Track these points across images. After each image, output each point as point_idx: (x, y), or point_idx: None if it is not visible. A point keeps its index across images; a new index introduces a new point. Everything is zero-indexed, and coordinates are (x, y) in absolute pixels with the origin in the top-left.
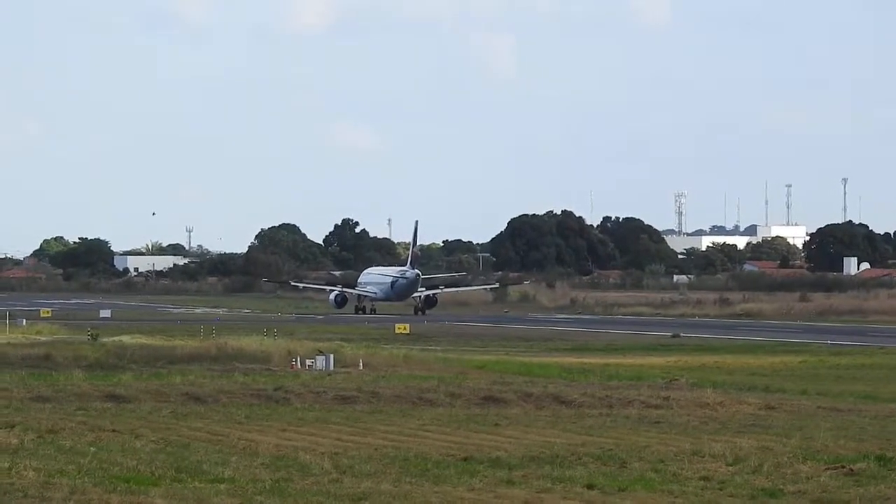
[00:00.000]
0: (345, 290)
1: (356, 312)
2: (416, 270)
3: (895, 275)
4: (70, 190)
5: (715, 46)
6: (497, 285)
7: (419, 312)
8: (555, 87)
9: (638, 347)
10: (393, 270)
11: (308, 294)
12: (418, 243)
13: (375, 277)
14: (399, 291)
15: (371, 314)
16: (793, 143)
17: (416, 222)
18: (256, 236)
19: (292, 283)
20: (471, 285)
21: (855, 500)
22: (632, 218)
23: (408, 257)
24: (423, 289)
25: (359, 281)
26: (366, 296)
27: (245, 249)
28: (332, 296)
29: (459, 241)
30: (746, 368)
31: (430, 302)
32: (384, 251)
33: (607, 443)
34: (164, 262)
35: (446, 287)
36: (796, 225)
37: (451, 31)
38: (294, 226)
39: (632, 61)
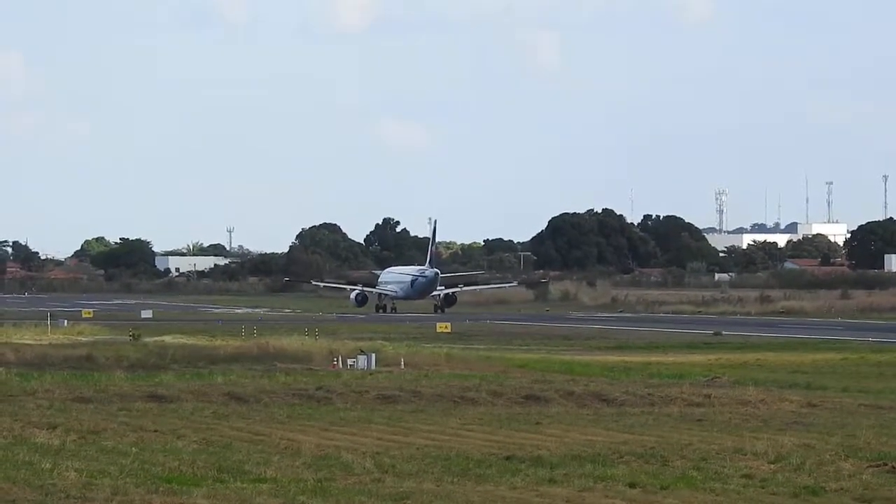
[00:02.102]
0: (365, 289)
1: (377, 311)
2: (435, 269)
3: None
4: (111, 190)
5: (756, 43)
6: (515, 284)
7: (439, 310)
8: (595, 84)
9: (679, 345)
10: (412, 269)
11: (329, 293)
12: (437, 241)
13: (395, 276)
14: (419, 290)
15: (392, 313)
16: (833, 140)
17: (435, 221)
18: (297, 236)
19: (313, 283)
20: (489, 283)
21: None
22: (672, 216)
23: (427, 256)
24: (443, 287)
25: (379, 280)
26: (386, 294)
27: (286, 249)
28: (352, 295)
29: (500, 240)
30: (788, 366)
31: (450, 300)
32: (425, 250)
33: (649, 441)
34: (205, 263)
35: (466, 285)
36: (837, 222)
37: (491, 29)
38: (335, 225)
39: (673, 57)
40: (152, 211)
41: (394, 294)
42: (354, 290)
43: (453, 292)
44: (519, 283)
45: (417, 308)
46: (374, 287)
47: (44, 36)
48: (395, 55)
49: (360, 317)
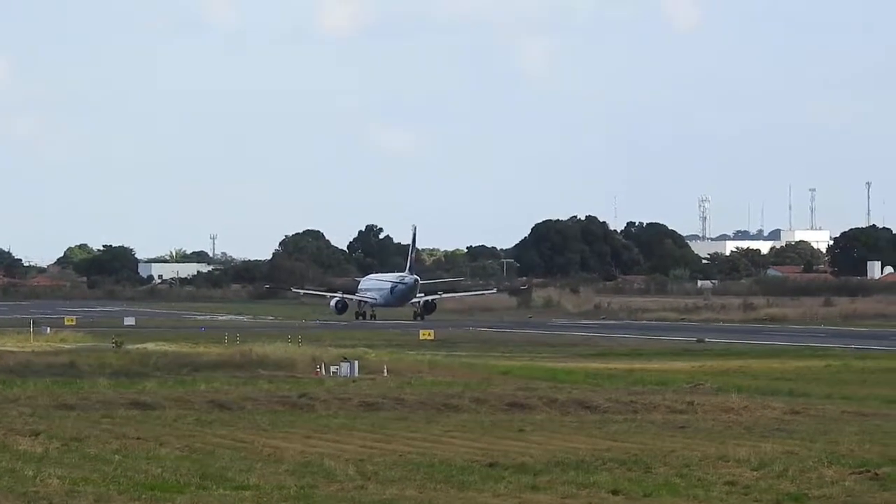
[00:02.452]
0: (345, 296)
1: (356, 318)
2: (415, 276)
3: None
4: (94, 197)
5: (739, 50)
6: (495, 290)
7: (419, 318)
8: (579, 92)
9: (662, 353)
10: (392, 276)
11: (311, 300)
12: (420, 248)
13: (375, 283)
14: (398, 297)
15: (372, 320)
16: (816, 147)
17: (415, 228)
18: (281, 243)
19: (293, 290)
20: (469, 290)
21: None
22: (656, 223)
23: (407, 263)
24: (423, 294)
25: (359, 287)
26: (366, 301)
27: (269, 256)
28: (332, 302)
29: (483, 246)
30: (771, 373)
31: (430, 307)
32: (408, 257)
33: (632, 448)
34: (188, 270)
35: (445, 292)
36: (820, 229)
37: (477, 36)
38: (318, 232)
39: (657, 65)
40: (135, 218)
41: (374, 301)
42: (334, 297)
43: (433, 299)
44: (499, 290)
45: (398, 315)
46: (355, 294)
47: (27, 42)
48: (378, 62)
49: (343, 324)
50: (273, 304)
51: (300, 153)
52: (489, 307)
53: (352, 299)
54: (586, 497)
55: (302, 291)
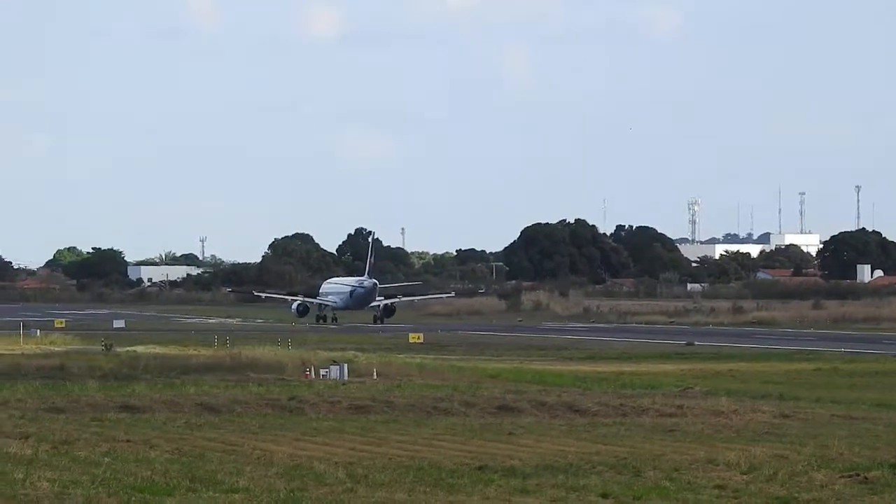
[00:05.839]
0: (306, 299)
1: (317, 322)
2: (374, 280)
3: None
4: (83, 200)
5: (727, 55)
6: (453, 294)
7: (378, 321)
8: (567, 95)
9: (652, 356)
10: (351, 280)
11: (272, 304)
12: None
13: (335, 287)
14: (357, 300)
15: (333, 324)
16: (806, 151)
17: (373, 233)
18: (270, 246)
19: (255, 293)
20: (427, 294)
21: None
22: (645, 226)
23: (366, 267)
24: (382, 298)
25: (320, 291)
26: (326, 305)
27: (259, 259)
28: (294, 305)
29: (473, 250)
30: (760, 376)
31: (389, 311)
32: (398, 260)
33: (622, 451)
34: (177, 273)
35: (404, 296)
36: (810, 233)
37: (462, 41)
38: (308, 235)
39: (645, 70)
40: (124, 220)
41: (334, 304)
42: (296, 300)
43: (392, 303)
44: (456, 294)
45: (359, 319)
46: (315, 298)
47: (14, 47)
48: (366, 66)
49: (333, 327)
50: (262, 308)
51: (289, 156)
52: (478, 310)
53: (312, 303)
54: (576, 500)
55: (263, 295)
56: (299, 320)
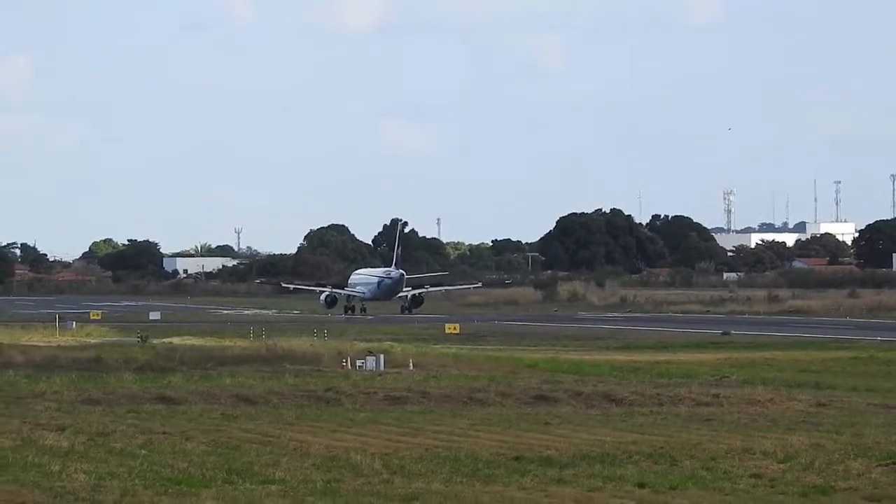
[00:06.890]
0: (334, 290)
1: (345, 312)
2: (401, 270)
3: None
4: (119, 192)
5: (763, 44)
6: (480, 284)
7: (406, 311)
8: (603, 85)
9: (688, 345)
10: (379, 271)
11: (307, 295)
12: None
13: (363, 278)
14: (385, 291)
15: (361, 314)
16: (842, 139)
17: (399, 223)
18: (305, 237)
19: (283, 284)
20: (455, 285)
21: None
22: (681, 216)
23: (394, 258)
24: (410, 288)
25: (349, 282)
26: (354, 296)
27: (294, 250)
28: (322, 296)
29: (508, 240)
30: (796, 365)
31: (417, 301)
32: (433, 251)
33: (658, 441)
34: (213, 264)
35: (432, 287)
36: (845, 221)
37: (498, 31)
38: (343, 226)
39: (681, 59)
40: (160, 212)
41: (362, 295)
42: (324, 291)
43: (420, 293)
44: (483, 285)
45: (387, 309)
46: (343, 289)
47: (49, 38)
48: (402, 57)
49: (369, 318)
50: (298, 299)
51: (326, 148)
52: (514, 301)
53: (340, 293)
54: (612, 490)
55: (291, 286)
56: (328, 311)
